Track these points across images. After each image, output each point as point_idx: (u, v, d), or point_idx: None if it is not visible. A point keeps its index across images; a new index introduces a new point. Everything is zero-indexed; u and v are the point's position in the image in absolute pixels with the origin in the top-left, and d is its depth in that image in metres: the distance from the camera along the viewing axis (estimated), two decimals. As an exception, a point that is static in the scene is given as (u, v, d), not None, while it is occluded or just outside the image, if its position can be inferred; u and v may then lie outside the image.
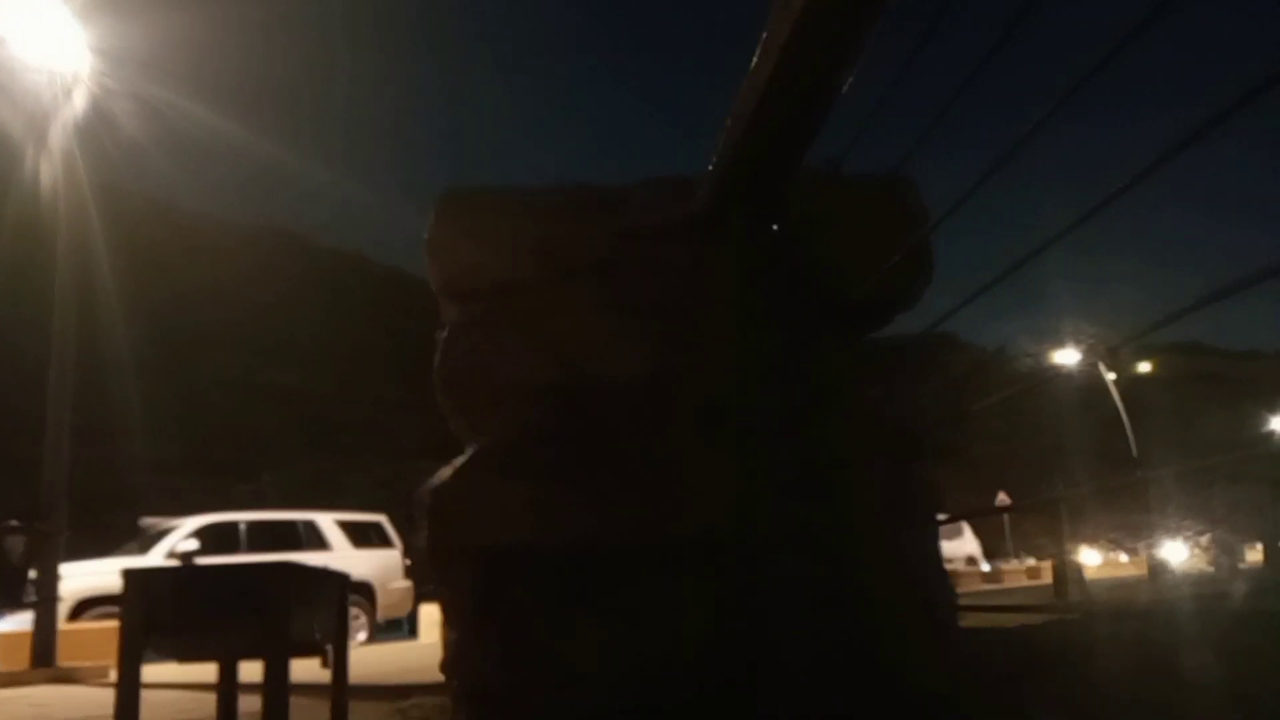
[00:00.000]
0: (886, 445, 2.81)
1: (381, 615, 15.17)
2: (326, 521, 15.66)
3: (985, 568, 20.54)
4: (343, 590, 5.53)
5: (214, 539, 14.02)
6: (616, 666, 2.41)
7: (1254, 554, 17.23)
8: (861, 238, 2.50)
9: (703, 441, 2.58)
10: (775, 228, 2.48)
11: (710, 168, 2.53)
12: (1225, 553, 14.40)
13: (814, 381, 2.42)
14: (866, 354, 3.06)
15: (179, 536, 13.97)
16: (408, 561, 15.05)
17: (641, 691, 2.40)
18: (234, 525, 14.91)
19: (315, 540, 15.30)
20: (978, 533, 21.65)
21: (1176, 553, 15.05)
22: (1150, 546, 11.26)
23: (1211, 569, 13.85)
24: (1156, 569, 11.06)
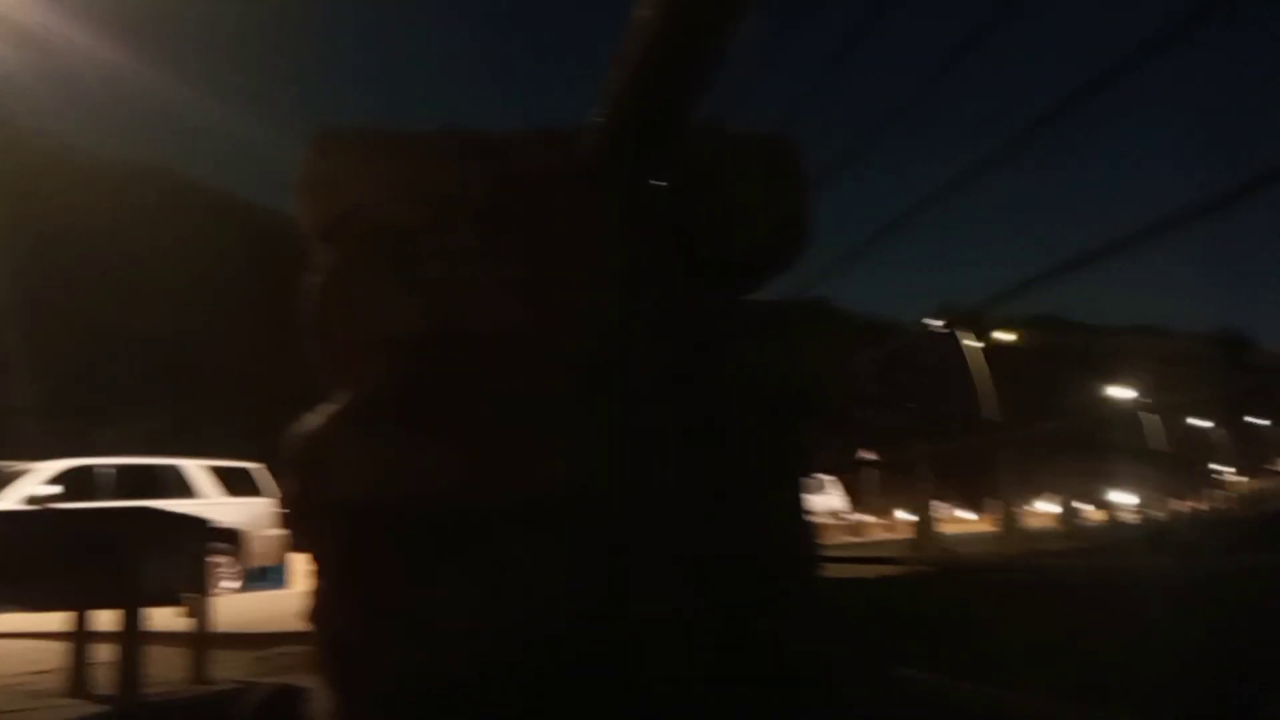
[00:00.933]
0: (762, 405, 2.85)
1: (252, 563, 14.76)
2: (194, 468, 15.08)
3: (850, 521, 21.44)
4: (203, 537, 5.31)
5: (74, 485, 13.30)
6: (482, 626, 2.38)
7: (1099, 514, 18.52)
8: (744, 197, 2.50)
9: (578, 398, 2.56)
10: (660, 183, 2.45)
11: (594, 116, 2.48)
12: (1069, 511, 15.40)
13: (693, 341, 2.42)
14: (745, 315, 3.08)
15: (36, 481, 13.18)
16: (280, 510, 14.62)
17: (507, 651, 2.38)
18: (96, 470, 14.17)
19: (182, 487, 14.73)
20: (844, 488, 22.53)
21: (1029, 510, 16.02)
22: (1004, 504, 11.94)
23: (1060, 526, 14.80)
24: (1009, 525, 11.73)
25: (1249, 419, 66.24)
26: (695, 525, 2.30)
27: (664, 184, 2.43)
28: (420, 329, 2.62)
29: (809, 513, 3.59)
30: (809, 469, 3.95)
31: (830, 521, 20.34)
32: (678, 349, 2.35)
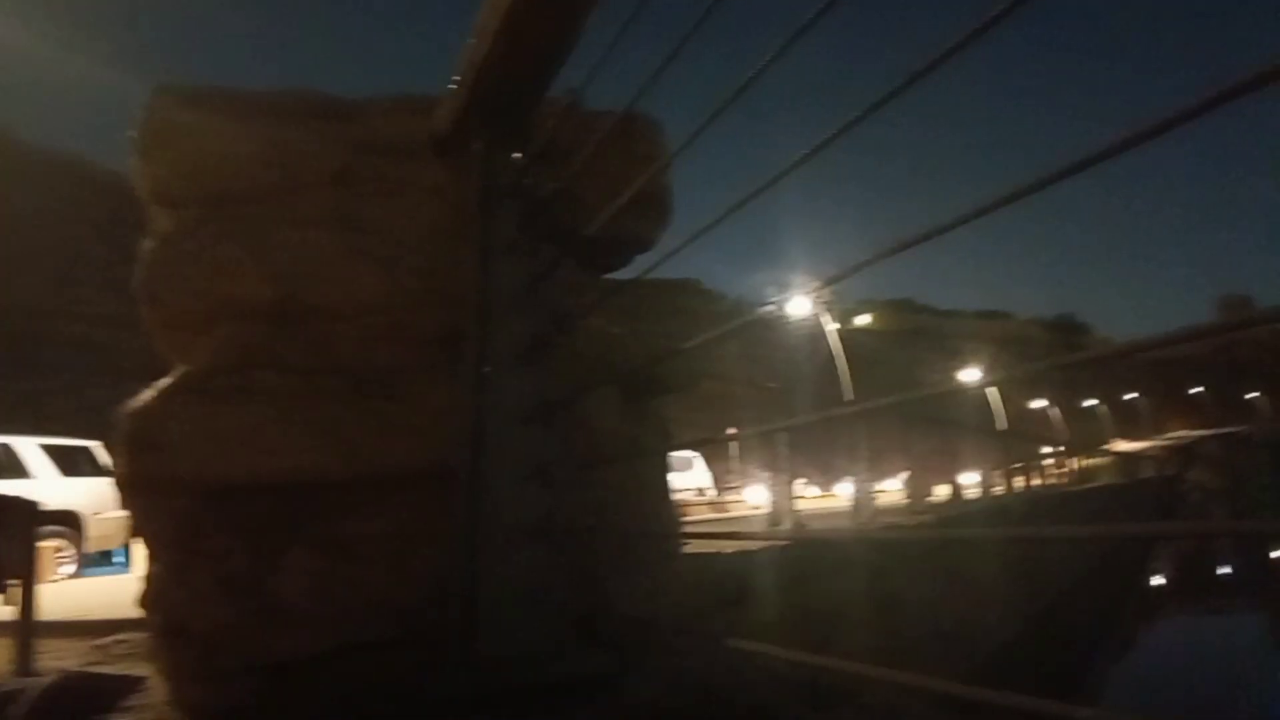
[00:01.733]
0: (622, 380, 2.87)
1: (91, 547, 13.91)
2: (28, 446, 14.07)
3: (713, 497, 21.90)
4: (32, 520, 4.98)
5: (-110, 463, 12.17)
6: (332, 603, 2.32)
7: (942, 488, 19.54)
8: (603, 174, 2.50)
9: (435, 371, 2.52)
10: (518, 156, 2.43)
11: (452, 86, 2.43)
12: (916, 488, 16.19)
13: (552, 314, 2.41)
14: (607, 291, 3.09)
15: None
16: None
17: (358, 628, 2.33)
18: (-84, 449, 13.01)
19: (14, 467, 13.70)
20: (709, 465, 23.00)
21: (876, 487, 16.75)
22: (855, 481, 12.48)
23: (907, 502, 15.52)
24: (860, 502, 12.26)
25: (1085, 402, 71.19)
26: (552, 497, 2.31)
27: (522, 157, 2.41)
28: (268, 298, 2.52)
29: (669, 488, 3.66)
30: (670, 445, 4.02)
31: (694, 498, 20.73)
32: (536, 323, 2.34)
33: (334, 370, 2.52)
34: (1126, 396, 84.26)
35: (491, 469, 2.23)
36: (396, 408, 2.52)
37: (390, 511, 2.44)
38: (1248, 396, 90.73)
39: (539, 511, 2.25)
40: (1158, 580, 30.17)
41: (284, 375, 2.48)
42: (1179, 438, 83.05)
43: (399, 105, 2.84)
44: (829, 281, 1.58)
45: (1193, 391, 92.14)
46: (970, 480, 19.95)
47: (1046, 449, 30.61)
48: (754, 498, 19.45)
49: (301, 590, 2.35)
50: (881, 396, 1.48)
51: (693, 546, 4.99)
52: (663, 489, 3.42)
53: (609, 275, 3.12)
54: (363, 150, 2.72)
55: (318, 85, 3.04)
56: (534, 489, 2.26)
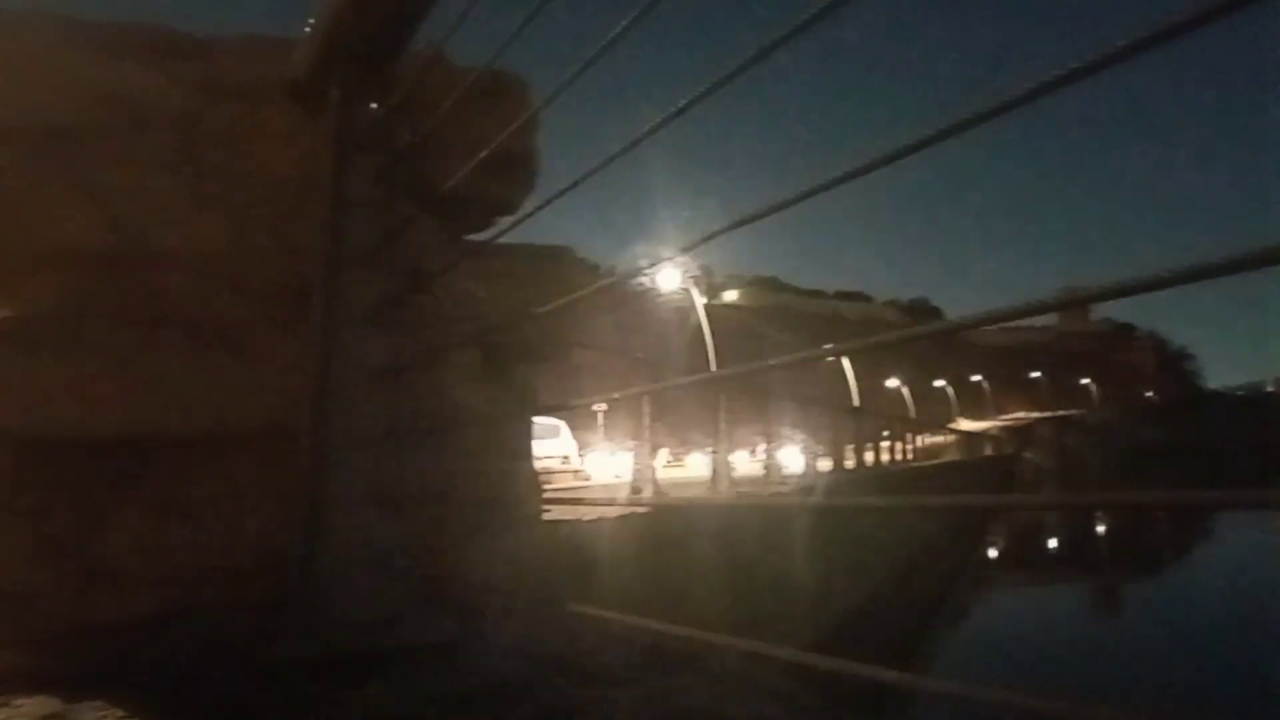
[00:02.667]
0: (478, 342, 2.84)
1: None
2: None
3: (578, 466, 22.01)
4: None
5: None
6: (164, 565, 2.22)
7: (795, 461, 20.23)
8: (468, 133, 2.45)
9: (280, 327, 2.42)
10: (375, 107, 2.35)
11: (308, 29, 2.33)
12: (772, 461, 16.71)
13: (407, 272, 2.35)
14: (466, 252, 3.04)
15: None
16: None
17: (191, 591, 2.24)
18: None
19: None
20: (575, 433, 23.09)
21: (738, 457, 17.20)
22: (714, 453, 12.79)
23: (763, 474, 15.99)
24: (718, 473, 12.55)
25: (936, 382, 74.87)
26: (399, 461, 2.27)
27: (380, 108, 2.33)
28: (99, 244, 2.36)
29: (531, 455, 3.64)
30: (529, 412, 4.00)
31: (560, 466, 20.78)
32: (390, 280, 2.28)
33: (173, 322, 2.40)
34: (973, 378, 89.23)
35: (336, 430, 2.17)
36: (239, 364, 2.42)
37: (229, 472, 2.35)
38: (1081, 382, 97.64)
39: (384, 475, 2.21)
40: (993, 553, 32.22)
41: (118, 326, 2.34)
42: (1017, 419, 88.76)
43: (252, 46, 2.70)
44: (686, 249, 1.60)
45: (1032, 376, 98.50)
46: (824, 454, 20.70)
47: (896, 426, 32.07)
48: (618, 467, 19.64)
49: (130, 551, 2.24)
50: (737, 366, 1.51)
51: (554, 514, 5.01)
52: (524, 456, 3.40)
53: (474, 237, 3.07)
54: (211, 92, 2.58)
55: (163, 18, 2.85)
56: (380, 452, 2.21)
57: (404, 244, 2.31)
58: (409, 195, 2.36)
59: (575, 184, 1.54)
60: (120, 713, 1.83)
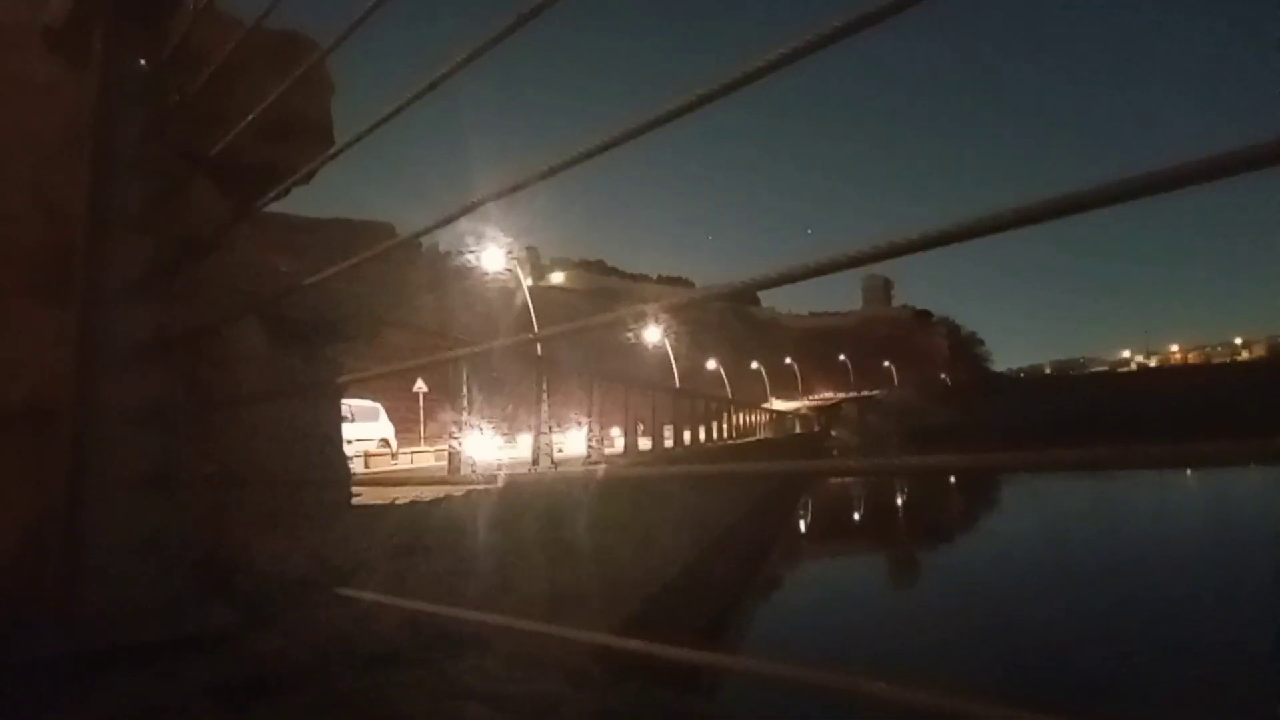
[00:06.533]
0: (268, 317, 2.70)
1: None
2: None
3: (397, 449, 21.52)
4: None
5: None
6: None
7: (613, 439, 20.55)
8: (253, 95, 2.30)
9: (37, 299, 2.21)
10: (145, 62, 2.17)
11: (68, -29, 2.12)
12: (596, 440, 16.87)
13: (182, 240, 2.20)
14: (260, 224, 2.88)
15: None
16: None
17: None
18: None
19: None
20: (393, 417, 22.51)
21: (558, 439, 17.24)
22: (535, 432, 12.80)
23: (587, 453, 16.10)
24: (540, 453, 12.56)
25: (752, 365, 77.65)
26: (171, 441, 2.12)
27: (149, 62, 2.16)
28: None
29: (338, 437, 3.49)
30: (335, 391, 3.84)
31: (378, 449, 20.22)
32: (161, 247, 2.12)
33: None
34: (785, 361, 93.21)
35: (101, 408, 2.00)
36: (-14, 338, 2.20)
37: (-25, 454, 2.13)
38: (884, 364, 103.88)
39: (155, 456, 2.06)
40: (803, 526, 33.84)
41: None
42: (825, 399, 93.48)
43: (5, -13, 2.44)
44: (473, 203, 1.55)
45: (840, 359, 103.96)
46: (645, 433, 21.11)
47: (715, 405, 33.06)
48: (439, 447, 19.33)
49: None
50: (559, 345, 1.50)
51: (366, 497, 4.85)
52: (329, 437, 3.26)
53: (269, 208, 2.90)
54: (-47, 34, 2.32)
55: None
56: (149, 432, 2.05)
57: (177, 209, 2.15)
58: (183, 156, 2.20)
59: (358, 138, 1.48)
60: None
